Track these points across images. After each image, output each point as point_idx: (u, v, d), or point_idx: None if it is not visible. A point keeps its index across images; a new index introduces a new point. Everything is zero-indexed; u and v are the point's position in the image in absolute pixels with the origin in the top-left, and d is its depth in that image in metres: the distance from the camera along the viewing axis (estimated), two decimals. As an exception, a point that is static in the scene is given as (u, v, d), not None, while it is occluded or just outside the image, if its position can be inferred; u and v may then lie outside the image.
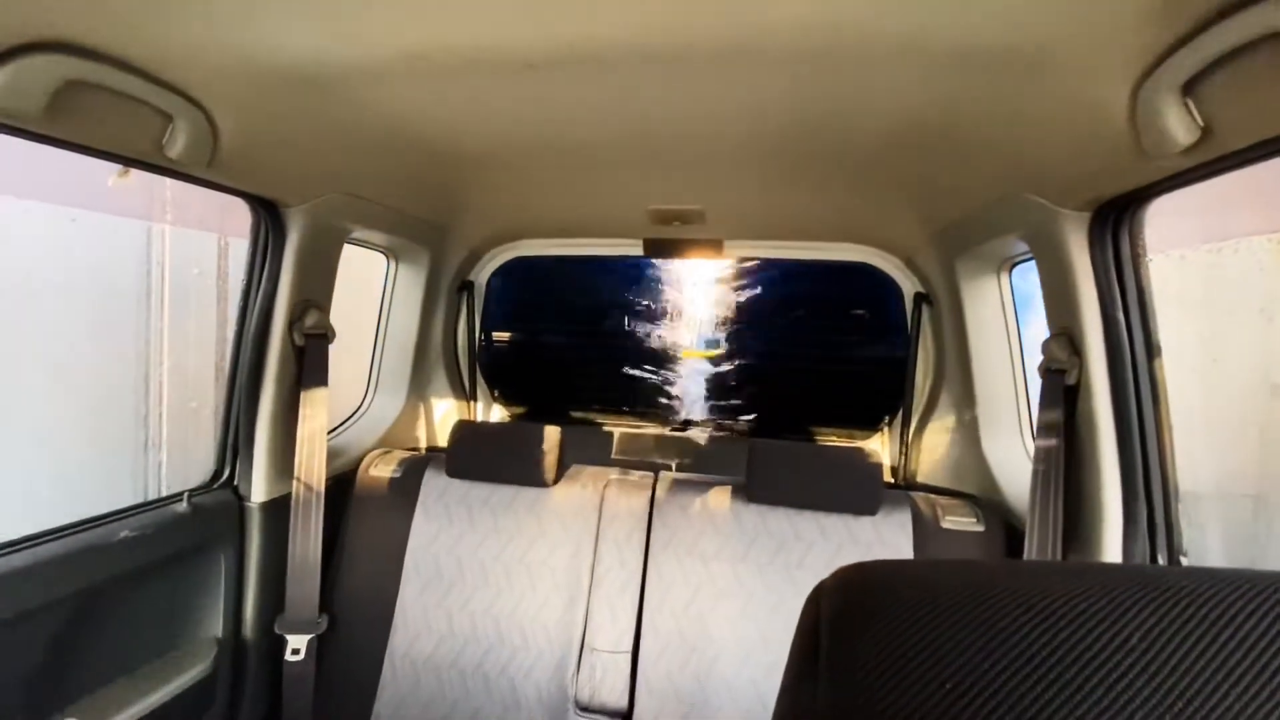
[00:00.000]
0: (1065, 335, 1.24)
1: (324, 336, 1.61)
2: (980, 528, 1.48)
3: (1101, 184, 1.05)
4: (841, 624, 0.33)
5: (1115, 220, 1.13)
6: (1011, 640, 0.28)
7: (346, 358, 1.97)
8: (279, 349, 1.52)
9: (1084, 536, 1.22)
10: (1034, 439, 1.37)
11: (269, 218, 1.47)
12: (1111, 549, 1.16)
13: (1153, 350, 1.15)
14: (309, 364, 1.57)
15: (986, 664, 0.28)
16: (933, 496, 1.61)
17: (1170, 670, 0.26)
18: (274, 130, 1.17)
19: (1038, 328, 1.38)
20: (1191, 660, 0.26)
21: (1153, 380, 1.15)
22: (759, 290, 2.38)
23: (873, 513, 1.50)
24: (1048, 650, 0.28)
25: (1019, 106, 0.98)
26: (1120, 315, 1.15)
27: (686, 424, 2.48)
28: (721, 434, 2.43)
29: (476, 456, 1.70)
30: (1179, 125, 0.80)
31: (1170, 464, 1.15)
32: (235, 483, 1.55)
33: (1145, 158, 0.89)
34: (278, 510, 1.56)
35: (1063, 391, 1.25)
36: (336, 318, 1.66)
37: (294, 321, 1.54)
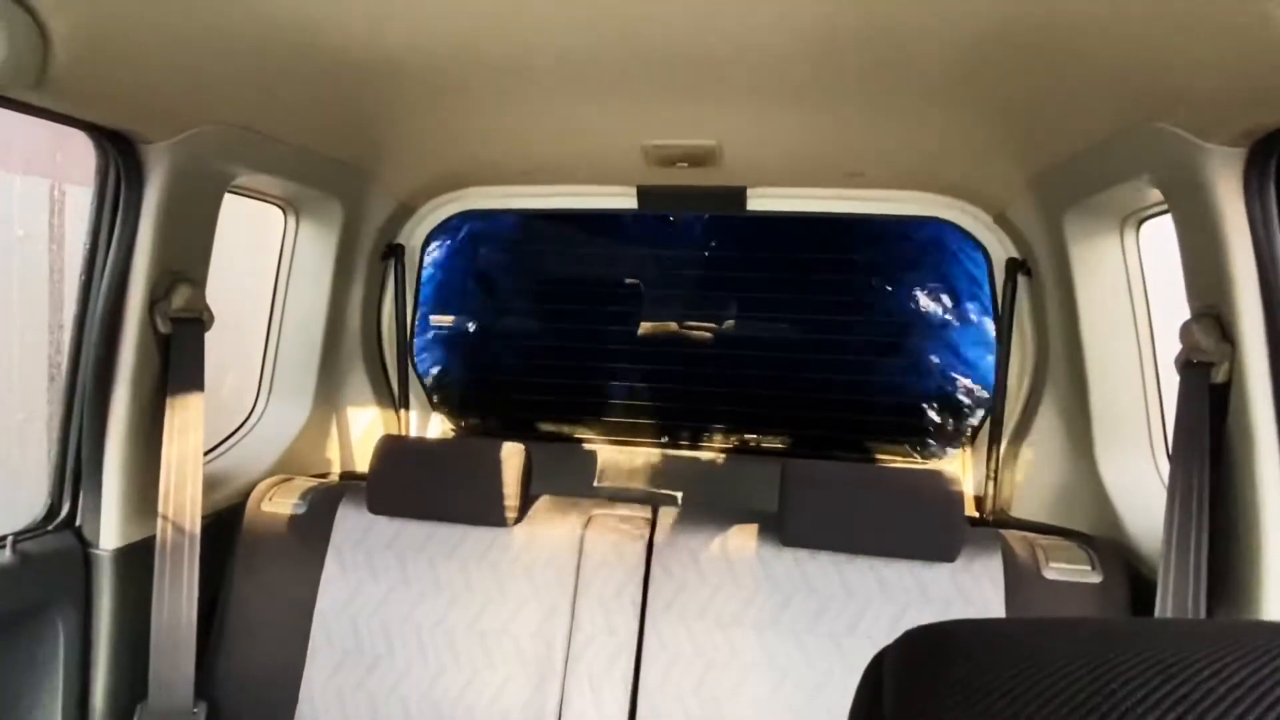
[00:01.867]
0: (1212, 316, 1.24)
1: (198, 321, 1.60)
2: (1096, 577, 1.49)
3: (1260, 109, 1.05)
4: (909, 704, 0.33)
5: (1280, 158, 1.14)
6: None
7: (230, 349, 1.95)
8: (136, 339, 1.51)
9: (1236, 590, 1.23)
10: (1169, 457, 1.37)
11: (121, 158, 1.45)
12: (1273, 606, 1.17)
13: (1330, 336, 1.15)
14: (178, 359, 1.56)
15: None
16: (1032, 536, 1.62)
17: None
18: (128, 37, 1.15)
19: (1176, 306, 1.39)
20: None
21: (1331, 378, 1.16)
22: (796, 258, 2.38)
23: (951, 558, 1.51)
24: None
25: (1148, 2, 0.98)
26: None
27: (696, 438, 2.48)
28: (745, 451, 2.43)
29: (409, 485, 1.69)
30: None
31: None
32: (78, 523, 1.54)
33: None
34: (137, 560, 1.55)
35: (1208, 392, 1.25)
36: (215, 295, 1.65)
37: (157, 301, 1.53)
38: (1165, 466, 1.62)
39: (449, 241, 2.45)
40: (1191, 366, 1.28)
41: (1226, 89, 1.05)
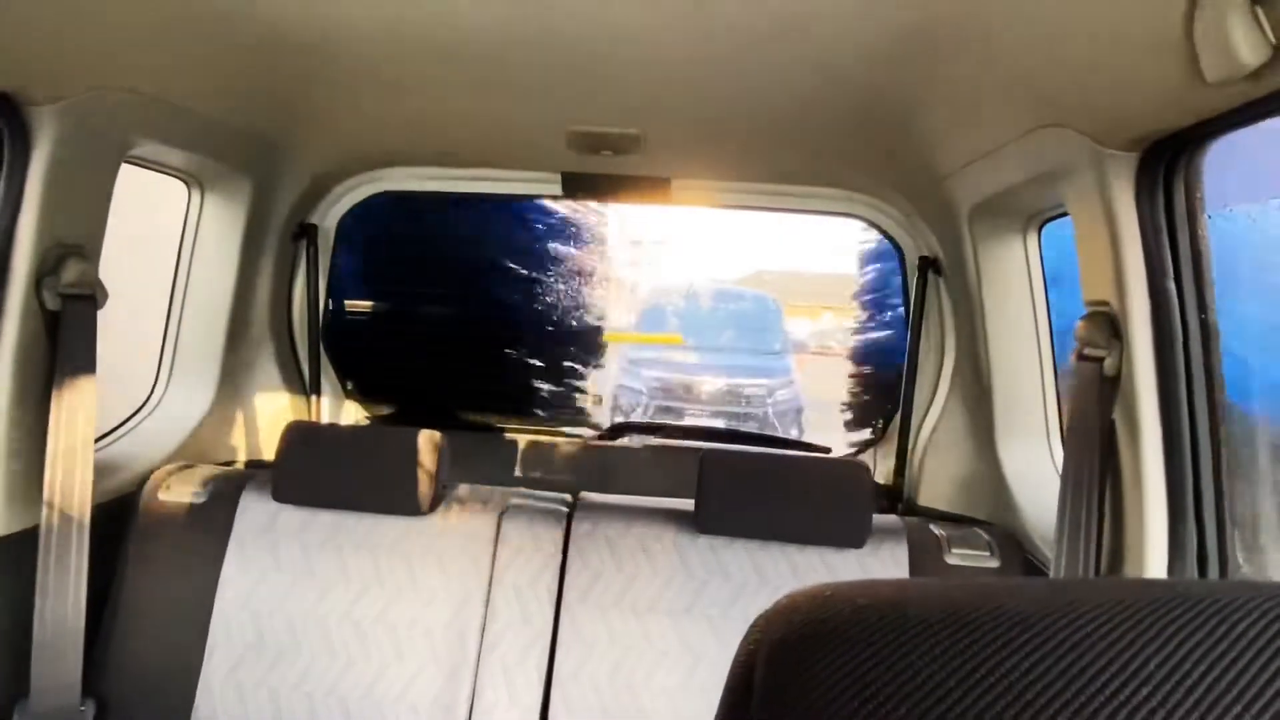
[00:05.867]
0: (1103, 313, 1.31)
1: (91, 298, 1.53)
2: (994, 562, 1.57)
3: (1152, 116, 1.12)
4: (780, 660, 0.34)
5: (1168, 164, 1.21)
6: (997, 672, 0.30)
7: (124, 327, 1.87)
8: (20, 316, 1.43)
9: (1121, 569, 1.30)
10: (1063, 446, 1.45)
11: (4, 121, 1.37)
12: None
13: (1209, 333, 1.23)
14: (68, 338, 1.49)
15: (964, 703, 0.29)
16: (936, 524, 1.69)
17: (1195, 705, 0.28)
18: (11, -13, 1.09)
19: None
20: (1233, 695, 0.28)
21: (1208, 371, 1.23)
22: (717, 251, 2.41)
23: (859, 545, 1.56)
24: (1043, 683, 0.29)
25: (1052, 9, 1.02)
26: (1171, 287, 1.23)
27: (615, 429, 2.49)
28: (663, 443, 2.45)
29: (318, 472, 1.66)
30: (1244, 41, 0.85)
31: (1225, 476, 1.24)
32: (-50, 511, 1.46)
33: (1204, 83, 0.95)
34: (19, 550, 1.48)
35: (1099, 384, 1.33)
36: (110, 269, 1.58)
37: (45, 275, 1.45)
38: (1060, 456, 1.71)
39: (366, 223, 2.39)
40: (1084, 359, 1.35)
41: (1122, 96, 1.11)
